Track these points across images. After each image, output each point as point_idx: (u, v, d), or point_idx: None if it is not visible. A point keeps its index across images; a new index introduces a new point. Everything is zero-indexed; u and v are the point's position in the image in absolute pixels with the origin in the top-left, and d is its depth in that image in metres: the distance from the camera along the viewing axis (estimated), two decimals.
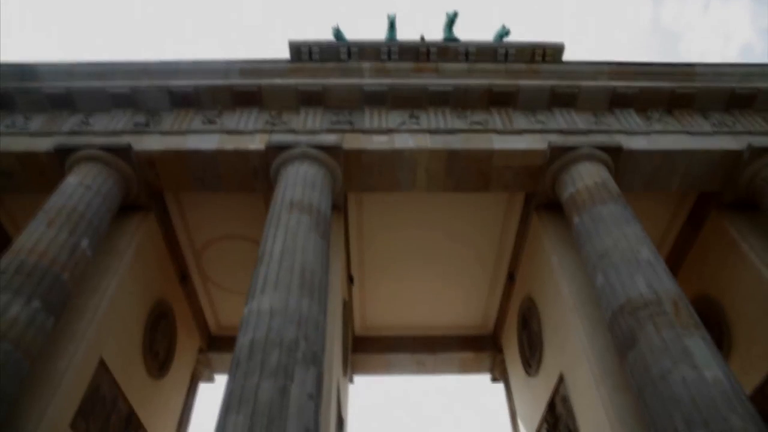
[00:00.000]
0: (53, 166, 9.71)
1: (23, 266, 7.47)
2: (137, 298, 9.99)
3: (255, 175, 9.97)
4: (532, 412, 11.23)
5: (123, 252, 9.44)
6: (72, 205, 8.57)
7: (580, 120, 10.56)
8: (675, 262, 11.46)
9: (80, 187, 8.91)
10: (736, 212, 10.26)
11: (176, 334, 11.80)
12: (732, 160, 10.03)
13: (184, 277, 12.04)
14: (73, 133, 10.06)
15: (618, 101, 10.73)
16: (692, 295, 10.32)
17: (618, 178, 9.86)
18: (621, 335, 7.30)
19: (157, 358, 10.85)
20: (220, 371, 13.90)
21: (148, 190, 10.20)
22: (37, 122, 10.27)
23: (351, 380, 13.87)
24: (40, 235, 7.98)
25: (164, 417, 11.28)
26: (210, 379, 13.90)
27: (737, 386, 6.32)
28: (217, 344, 13.83)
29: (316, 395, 6.35)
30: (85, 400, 8.14)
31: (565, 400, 9.20)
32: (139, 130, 10.11)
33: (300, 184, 8.91)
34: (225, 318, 13.73)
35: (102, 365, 8.62)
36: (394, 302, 13.73)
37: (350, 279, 12.45)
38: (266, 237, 8.06)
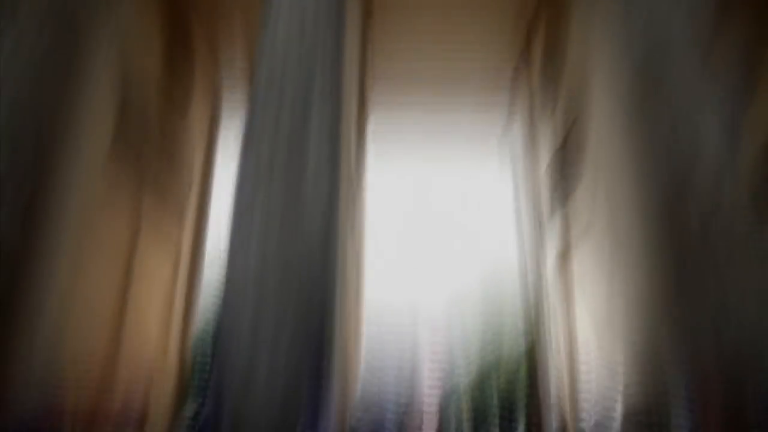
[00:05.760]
0: None
1: None
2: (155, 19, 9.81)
3: None
4: (543, 153, 11.64)
5: None
6: None
7: None
8: None
9: None
10: None
11: (195, 67, 11.79)
12: None
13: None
14: None
15: None
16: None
17: None
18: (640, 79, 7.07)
19: (180, 85, 11.01)
20: (239, 106, 14.15)
21: None
22: None
23: (368, 118, 14.14)
24: None
25: (190, 148, 11.93)
26: (231, 115, 14.22)
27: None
28: (235, 79, 13.84)
29: (335, 126, 6.52)
30: (117, 125, 8.54)
31: (578, 142, 9.44)
32: None
33: None
34: (242, 51, 13.42)
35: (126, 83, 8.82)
36: (413, 35, 13.18)
37: (368, 13, 11.73)
38: None
